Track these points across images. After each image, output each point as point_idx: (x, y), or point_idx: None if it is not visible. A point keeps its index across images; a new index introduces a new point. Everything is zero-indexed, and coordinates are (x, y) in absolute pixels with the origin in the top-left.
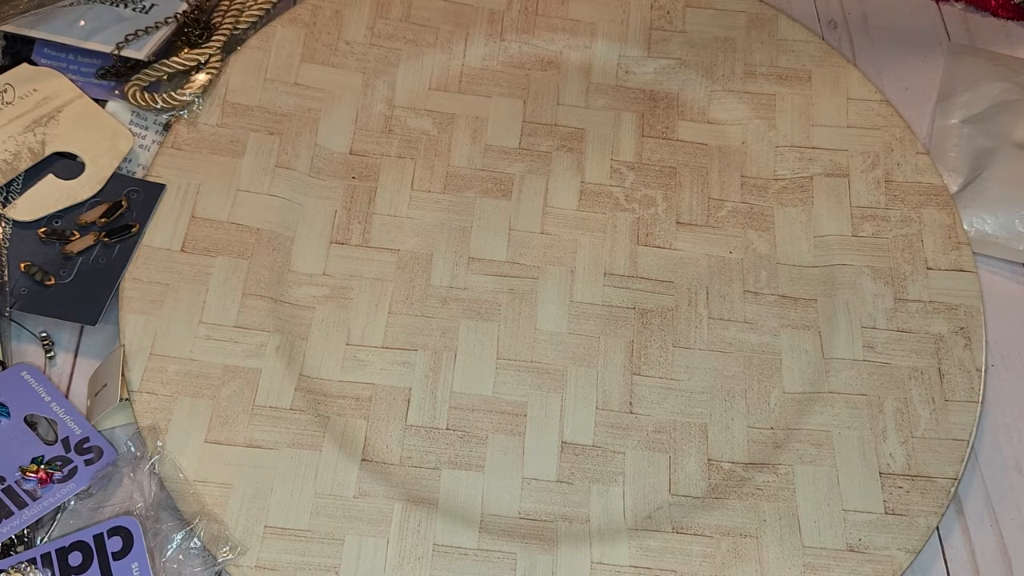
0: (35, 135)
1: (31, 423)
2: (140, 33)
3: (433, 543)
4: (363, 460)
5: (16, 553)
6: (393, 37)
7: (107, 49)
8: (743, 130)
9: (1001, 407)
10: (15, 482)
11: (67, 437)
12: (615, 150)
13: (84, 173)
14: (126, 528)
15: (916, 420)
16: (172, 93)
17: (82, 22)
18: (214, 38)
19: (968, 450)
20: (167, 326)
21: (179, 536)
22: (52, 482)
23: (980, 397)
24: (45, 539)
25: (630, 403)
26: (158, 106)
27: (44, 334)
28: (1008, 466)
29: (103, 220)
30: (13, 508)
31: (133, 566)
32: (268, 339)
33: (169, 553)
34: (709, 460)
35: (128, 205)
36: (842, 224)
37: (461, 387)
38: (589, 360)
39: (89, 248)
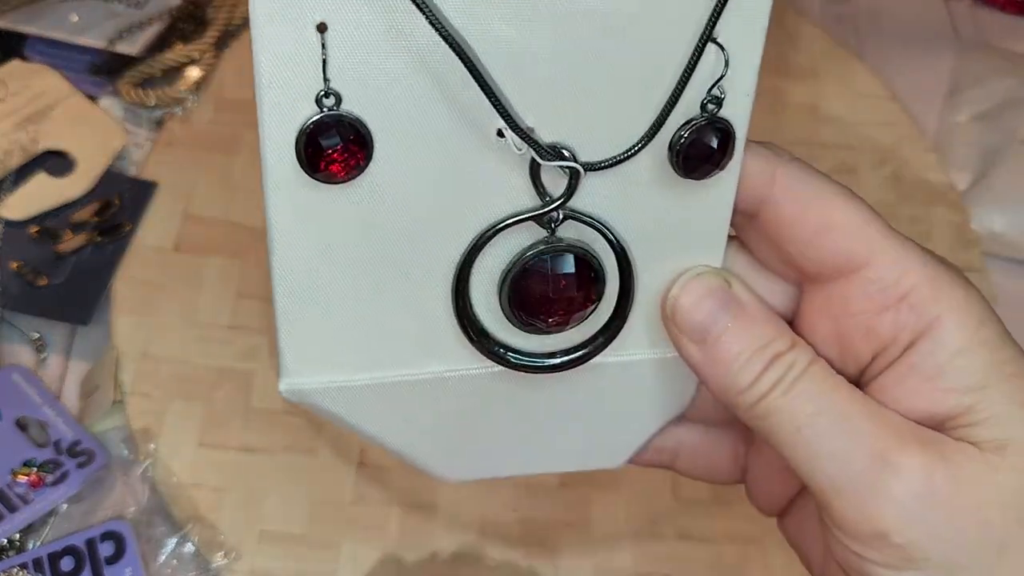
0: (26, 132)
1: (22, 426)
2: (133, 28)
3: (432, 549)
4: (360, 464)
5: (7, 558)
6: None
7: (100, 45)
8: None
9: None
10: (6, 486)
11: (59, 440)
12: None
13: (76, 171)
14: (119, 533)
15: None
16: (165, 89)
17: (75, 17)
18: (208, 33)
19: None
20: (160, 327)
21: (172, 541)
22: (44, 486)
23: None
24: (37, 544)
25: None
26: (151, 103)
27: (36, 335)
28: None
29: (95, 218)
30: (4, 512)
31: (126, 571)
32: (263, 340)
33: (162, 558)
34: None
35: (121, 203)
36: None
37: None
38: None
39: (81, 247)
